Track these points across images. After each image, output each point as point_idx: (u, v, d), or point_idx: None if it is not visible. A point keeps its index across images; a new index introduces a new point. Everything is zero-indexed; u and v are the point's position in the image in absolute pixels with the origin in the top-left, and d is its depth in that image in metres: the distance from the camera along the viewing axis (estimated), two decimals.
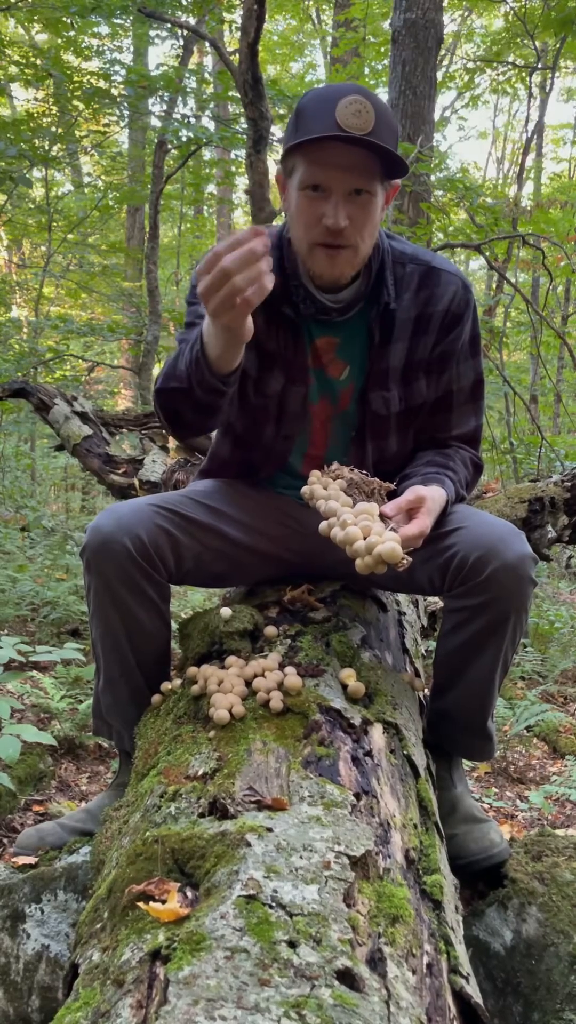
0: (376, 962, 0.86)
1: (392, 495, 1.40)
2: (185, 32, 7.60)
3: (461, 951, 1.05)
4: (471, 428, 1.65)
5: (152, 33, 8.30)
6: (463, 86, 11.67)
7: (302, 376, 1.59)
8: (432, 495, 1.38)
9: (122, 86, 6.76)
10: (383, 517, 1.32)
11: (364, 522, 1.29)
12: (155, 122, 7.90)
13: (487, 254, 5.30)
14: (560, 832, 2.40)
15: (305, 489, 1.45)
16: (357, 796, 1.11)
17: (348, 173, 1.37)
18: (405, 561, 1.22)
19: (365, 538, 1.26)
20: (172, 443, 4.18)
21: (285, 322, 1.55)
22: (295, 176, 1.42)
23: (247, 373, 1.57)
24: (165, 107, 7.93)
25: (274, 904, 0.85)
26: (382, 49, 8.79)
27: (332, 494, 1.38)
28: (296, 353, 1.57)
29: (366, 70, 9.43)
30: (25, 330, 8.25)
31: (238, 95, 4.51)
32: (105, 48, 8.52)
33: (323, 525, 1.34)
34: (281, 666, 1.39)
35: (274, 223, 1.61)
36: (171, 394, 1.45)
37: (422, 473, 1.53)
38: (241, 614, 1.54)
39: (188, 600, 4.80)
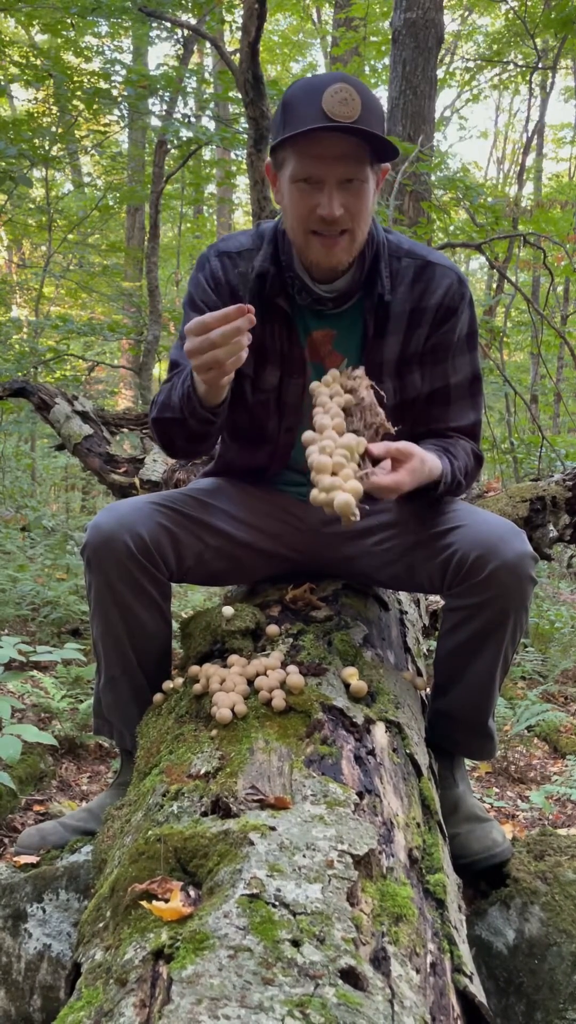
0: (380, 961, 0.86)
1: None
2: (185, 32, 7.59)
3: (464, 950, 1.04)
4: (469, 422, 1.65)
5: (152, 33, 8.27)
6: (463, 83, 11.68)
7: (299, 368, 1.59)
8: (424, 456, 1.38)
9: (122, 86, 6.75)
10: (368, 455, 1.30)
11: (340, 458, 1.27)
12: (155, 122, 7.89)
13: (488, 253, 5.30)
14: (562, 832, 2.40)
15: (314, 384, 1.42)
16: (360, 795, 1.11)
17: (339, 163, 1.37)
18: (354, 518, 1.21)
19: (332, 474, 1.24)
20: None
21: (280, 316, 1.56)
22: (286, 169, 1.43)
23: (244, 373, 1.57)
24: (165, 107, 7.92)
25: (277, 903, 0.85)
26: (382, 48, 8.78)
27: (332, 410, 1.35)
28: (292, 346, 1.58)
29: (366, 69, 9.43)
30: (25, 330, 8.24)
31: (238, 95, 4.51)
32: (105, 48, 8.52)
33: (307, 435, 1.33)
34: (283, 665, 1.39)
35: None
36: (166, 423, 1.52)
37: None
38: (243, 613, 1.54)
39: (189, 600, 4.79)
